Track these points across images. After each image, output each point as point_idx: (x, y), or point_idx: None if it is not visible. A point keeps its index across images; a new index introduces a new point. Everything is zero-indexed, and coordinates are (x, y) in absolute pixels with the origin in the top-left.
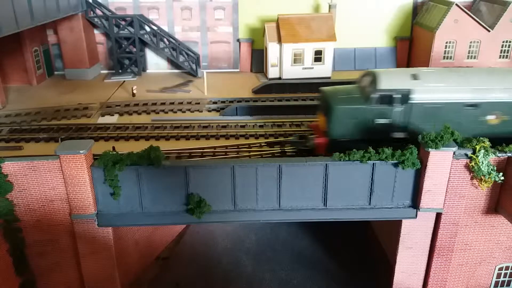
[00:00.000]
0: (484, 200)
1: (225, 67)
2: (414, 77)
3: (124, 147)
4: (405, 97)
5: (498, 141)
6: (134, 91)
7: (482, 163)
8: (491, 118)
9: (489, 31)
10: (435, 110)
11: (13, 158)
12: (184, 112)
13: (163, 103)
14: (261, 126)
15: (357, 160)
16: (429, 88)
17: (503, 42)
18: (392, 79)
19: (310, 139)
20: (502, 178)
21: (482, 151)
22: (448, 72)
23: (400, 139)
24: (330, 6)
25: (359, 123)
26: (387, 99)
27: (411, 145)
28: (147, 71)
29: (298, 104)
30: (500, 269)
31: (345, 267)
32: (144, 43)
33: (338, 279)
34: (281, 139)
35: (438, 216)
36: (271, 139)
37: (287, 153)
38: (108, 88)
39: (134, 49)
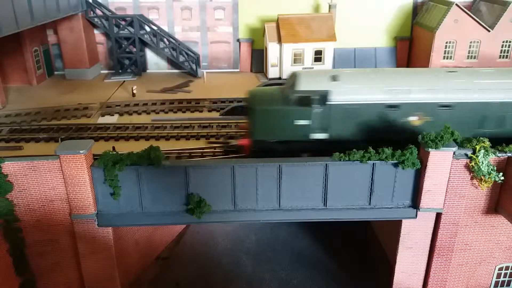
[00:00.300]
0: (484, 200)
1: (225, 67)
2: (334, 78)
3: (124, 147)
4: (324, 98)
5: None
6: (134, 91)
7: (482, 163)
8: (413, 119)
9: (489, 31)
10: (355, 111)
11: (13, 158)
12: (184, 112)
13: (163, 103)
14: None
15: (357, 160)
16: (348, 89)
17: (503, 42)
18: (311, 81)
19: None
20: (502, 178)
21: (482, 151)
22: (368, 73)
23: (321, 141)
24: (330, 6)
25: (280, 124)
26: (306, 100)
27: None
28: (147, 71)
29: None
30: (500, 269)
31: (345, 267)
32: (144, 43)
33: (338, 279)
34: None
35: (438, 216)
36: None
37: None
38: (108, 88)
39: (134, 49)
